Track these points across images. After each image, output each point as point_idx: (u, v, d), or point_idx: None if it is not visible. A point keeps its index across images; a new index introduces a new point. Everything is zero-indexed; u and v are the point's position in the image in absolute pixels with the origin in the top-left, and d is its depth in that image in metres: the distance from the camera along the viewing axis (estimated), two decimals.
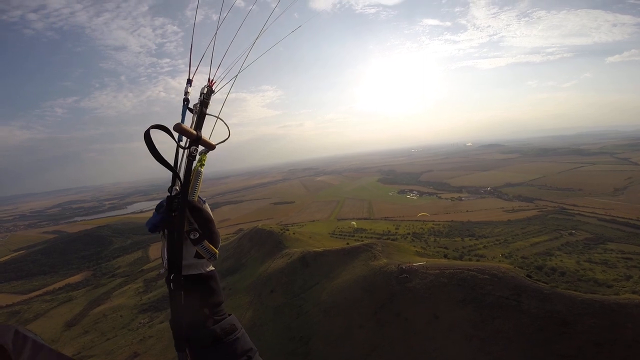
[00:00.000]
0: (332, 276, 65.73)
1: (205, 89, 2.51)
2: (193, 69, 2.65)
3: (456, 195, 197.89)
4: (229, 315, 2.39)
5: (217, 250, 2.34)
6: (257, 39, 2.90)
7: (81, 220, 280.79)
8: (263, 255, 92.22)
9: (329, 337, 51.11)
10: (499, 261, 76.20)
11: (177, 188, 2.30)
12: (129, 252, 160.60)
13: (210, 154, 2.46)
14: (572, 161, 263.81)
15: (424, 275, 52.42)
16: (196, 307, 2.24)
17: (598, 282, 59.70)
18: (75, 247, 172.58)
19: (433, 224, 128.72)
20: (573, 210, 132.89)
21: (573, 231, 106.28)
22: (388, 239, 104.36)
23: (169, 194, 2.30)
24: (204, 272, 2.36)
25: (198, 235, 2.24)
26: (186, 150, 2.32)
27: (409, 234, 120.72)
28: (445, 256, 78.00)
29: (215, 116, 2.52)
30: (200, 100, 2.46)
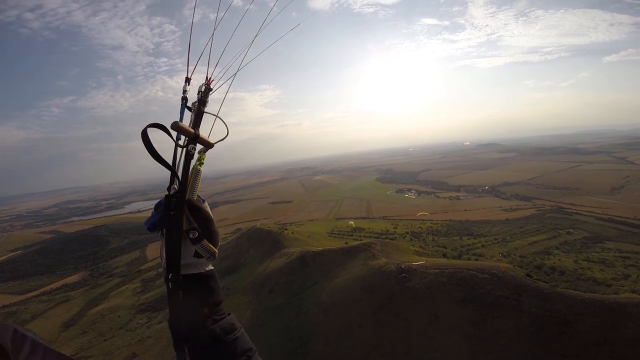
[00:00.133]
0: (331, 276, 65.54)
1: (203, 88, 2.52)
2: (191, 67, 2.66)
3: (454, 194, 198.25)
4: (229, 314, 2.38)
5: (216, 250, 2.33)
6: (255, 37, 2.88)
7: (78, 220, 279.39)
8: (261, 254, 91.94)
9: (328, 337, 50.93)
10: (498, 260, 76.49)
11: (176, 187, 2.29)
12: (127, 252, 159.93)
13: (209, 153, 2.46)
14: (570, 160, 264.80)
15: (423, 274, 52.31)
16: (195, 307, 2.22)
17: (597, 281, 59.91)
18: (72, 247, 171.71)
19: (431, 223, 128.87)
20: (571, 209, 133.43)
21: (571, 230, 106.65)
22: (387, 238, 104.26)
23: (168, 193, 2.29)
24: (203, 271, 2.34)
25: (197, 234, 2.23)
26: (184, 149, 2.31)
27: (407, 233, 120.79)
28: (444, 255, 78.05)
29: (214, 114, 2.51)
30: (198, 99, 2.46)
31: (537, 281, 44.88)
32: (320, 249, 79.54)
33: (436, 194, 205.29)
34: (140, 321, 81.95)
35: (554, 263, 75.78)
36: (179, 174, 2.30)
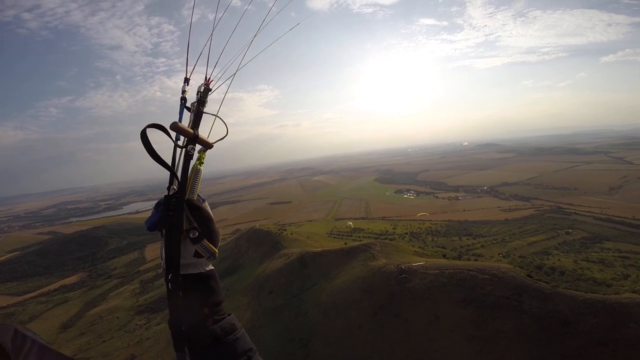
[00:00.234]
0: (330, 277, 65.37)
1: (203, 88, 2.51)
2: (190, 67, 2.66)
3: (453, 194, 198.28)
4: (229, 314, 2.37)
5: (216, 249, 2.33)
6: (254, 37, 2.88)
7: (76, 221, 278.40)
8: (261, 255, 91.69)
9: (328, 338, 50.74)
10: (497, 260, 76.43)
11: (175, 187, 2.29)
12: (125, 253, 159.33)
13: (207, 153, 2.46)
14: (568, 160, 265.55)
15: (423, 275, 52.20)
16: (196, 307, 2.22)
17: (597, 282, 59.93)
18: (70, 248, 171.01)
19: (430, 224, 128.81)
20: (569, 209, 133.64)
21: (570, 230, 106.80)
22: (386, 238, 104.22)
23: (167, 194, 2.29)
24: (203, 271, 2.33)
25: (197, 234, 2.23)
26: (183, 149, 2.31)
27: (406, 233, 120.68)
28: (444, 256, 77.98)
29: (213, 114, 2.50)
30: (197, 99, 2.45)
31: (538, 282, 44.83)
32: (319, 249, 79.36)
33: (435, 195, 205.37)
34: (139, 322, 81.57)
35: (554, 263, 75.81)
36: (178, 174, 2.29)
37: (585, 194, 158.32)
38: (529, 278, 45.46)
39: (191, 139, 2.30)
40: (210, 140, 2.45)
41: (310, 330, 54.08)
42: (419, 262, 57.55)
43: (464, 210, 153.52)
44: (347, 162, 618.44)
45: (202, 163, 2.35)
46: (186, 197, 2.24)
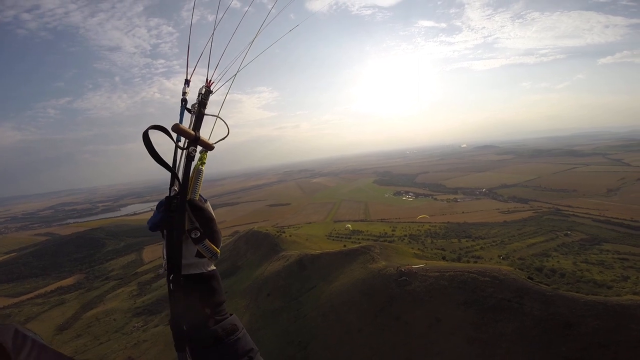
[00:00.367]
0: (330, 279, 65.00)
1: (204, 90, 2.52)
2: (190, 69, 2.71)
3: (452, 196, 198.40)
4: (230, 315, 2.39)
5: (218, 250, 2.33)
6: (254, 39, 2.91)
7: (74, 223, 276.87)
8: (259, 257, 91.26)
9: (327, 341, 50.35)
10: (497, 262, 76.18)
11: (176, 188, 2.31)
12: (123, 255, 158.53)
13: (207, 154, 2.48)
14: (566, 162, 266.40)
15: (423, 277, 51.90)
16: (197, 307, 2.24)
17: (598, 284, 59.73)
18: (67, 250, 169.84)
19: (429, 226, 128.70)
20: (568, 211, 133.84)
21: (568, 232, 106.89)
22: (385, 240, 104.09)
23: (169, 195, 2.30)
24: (205, 271, 2.34)
25: (199, 234, 2.23)
26: (185, 151, 2.32)
27: (405, 235, 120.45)
28: (444, 258, 77.75)
29: (215, 115, 2.53)
30: (198, 101, 2.47)
31: (539, 284, 44.65)
32: (318, 252, 79.00)
33: (434, 197, 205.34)
34: (136, 324, 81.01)
35: (553, 265, 75.65)
36: (180, 175, 2.31)
37: (583, 196, 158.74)
38: (530, 280, 45.30)
39: (192, 140, 2.30)
40: (211, 141, 2.45)
41: (309, 333, 53.68)
42: (418, 265, 57.30)
43: (463, 212, 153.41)
44: (346, 164, 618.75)
45: (204, 163, 2.35)
46: (188, 197, 2.24)
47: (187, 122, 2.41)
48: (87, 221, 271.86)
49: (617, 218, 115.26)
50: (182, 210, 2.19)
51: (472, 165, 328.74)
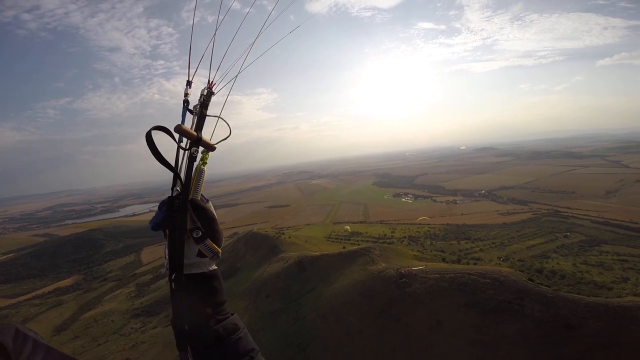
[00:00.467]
0: (329, 281, 64.76)
1: (205, 91, 2.55)
2: (192, 70, 2.72)
3: (451, 198, 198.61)
4: (232, 314, 2.39)
5: (219, 249, 2.35)
6: (254, 41, 2.92)
7: (72, 224, 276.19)
8: (258, 259, 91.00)
9: (327, 343, 50.10)
10: (497, 264, 76.09)
11: (179, 189, 2.34)
12: (121, 256, 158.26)
13: (209, 155, 2.52)
14: (565, 164, 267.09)
15: (423, 279, 51.71)
16: (199, 307, 2.25)
17: (598, 285, 59.70)
18: (65, 251, 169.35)
19: (429, 227, 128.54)
20: (567, 212, 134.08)
21: (568, 234, 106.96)
22: (384, 242, 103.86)
23: (171, 195, 2.34)
24: (206, 271, 2.35)
25: (201, 233, 2.25)
26: (187, 152, 2.35)
27: (405, 237, 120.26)
28: (444, 260, 77.66)
29: (217, 116, 2.57)
30: (200, 102, 2.50)
31: (540, 285, 44.53)
32: (318, 253, 78.75)
33: (433, 198, 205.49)
34: (134, 326, 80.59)
35: (553, 267, 75.64)
36: (182, 176, 2.34)
37: (582, 198, 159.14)
38: (530, 282, 45.19)
39: (194, 141, 2.33)
40: (213, 141, 2.48)
41: (309, 334, 53.41)
42: (418, 266, 57.14)
43: (462, 213, 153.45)
44: (345, 165, 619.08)
45: (205, 163, 2.38)
46: (190, 197, 2.27)
47: (188, 122, 2.44)
48: (86, 222, 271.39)
49: (616, 219, 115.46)
50: (184, 210, 2.21)
51: (471, 167, 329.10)
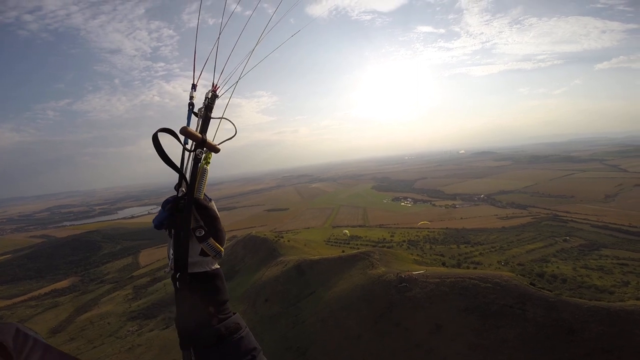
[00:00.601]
0: (329, 285, 64.28)
1: (210, 94, 2.59)
2: (197, 74, 2.76)
3: (450, 202, 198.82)
4: (234, 314, 2.39)
5: (222, 248, 2.36)
6: (256, 45, 2.98)
7: (70, 225, 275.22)
8: (257, 262, 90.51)
9: (326, 347, 49.55)
10: (497, 268, 75.95)
11: (184, 189, 2.34)
12: (119, 258, 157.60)
13: (212, 155, 2.53)
14: (564, 168, 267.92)
15: (423, 284, 51.32)
16: (201, 306, 2.25)
17: (599, 289, 59.62)
18: (63, 252, 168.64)
19: (428, 232, 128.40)
20: (566, 217, 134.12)
21: (567, 238, 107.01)
22: (384, 246, 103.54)
23: (176, 195, 2.35)
24: (209, 270, 2.35)
25: (204, 232, 2.26)
26: (192, 153, 2.39)
27: (404, 241, 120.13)
28: (444, 264, 77.44)
29: (221, 117, 2.61)
30: (205, 105, 2.53)
31: (541, 290, 44.22)
32: (317, 257, 78.39)
33: (432, 202, 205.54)
34: (130, 329, 79.77)
35: (553, 271, 75.55)
36: (187, 176, 2.36)
37: (581, 202, 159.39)
38: (531, 286, 44.84)
39: (199, 143, 2.36)
40: (216, 142, 2.53)
41: (308, 338, 52.89)
42: (418, 271, 56.71)
43: (462, 218, 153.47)
44: (345, 169, 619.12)
45: (209, 163, 2.41)
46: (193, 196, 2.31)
47: (193, 125, 2.46)
48: (84, 224, 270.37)
49: (615, 224, 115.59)
50: (188, 209, 2.23)
51: (470, 172, 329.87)
